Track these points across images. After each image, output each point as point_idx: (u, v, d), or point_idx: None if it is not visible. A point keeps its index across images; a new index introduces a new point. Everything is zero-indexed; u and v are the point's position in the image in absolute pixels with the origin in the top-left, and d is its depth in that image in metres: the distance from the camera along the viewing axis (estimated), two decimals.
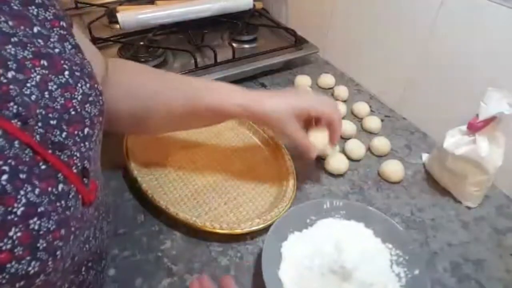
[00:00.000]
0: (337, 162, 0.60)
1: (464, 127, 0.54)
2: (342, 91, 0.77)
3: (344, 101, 0.76)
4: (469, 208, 0.56)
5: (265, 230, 0.48)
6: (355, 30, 0.81)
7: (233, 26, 0.86)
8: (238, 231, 0.48)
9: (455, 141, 0.54)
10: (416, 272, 0.44)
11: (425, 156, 0.64)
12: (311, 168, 0.61)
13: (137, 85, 0.50)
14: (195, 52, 0.76)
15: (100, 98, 0.35)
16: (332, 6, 0.85)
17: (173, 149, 0.62)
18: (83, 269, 0.35)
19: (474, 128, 0.52)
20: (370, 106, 0.74)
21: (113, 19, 0.87)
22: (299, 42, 0.84)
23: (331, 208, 0.51)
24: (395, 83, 0.74)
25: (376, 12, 0.74)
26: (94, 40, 0.79)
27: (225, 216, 0.53)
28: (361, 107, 0.73)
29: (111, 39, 0.80)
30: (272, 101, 0.48)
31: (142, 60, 0.74)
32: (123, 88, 0.49)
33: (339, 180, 0.60)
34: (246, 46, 0.85)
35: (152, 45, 0.77)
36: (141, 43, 0.76)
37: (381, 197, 0.57)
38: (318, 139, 0.52)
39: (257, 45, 0.86)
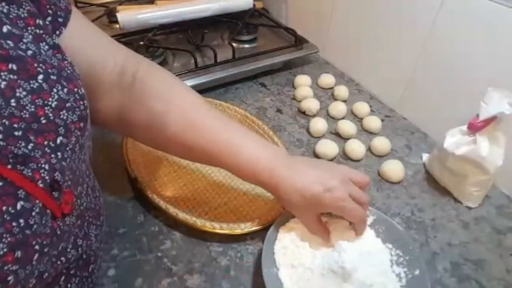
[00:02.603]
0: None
1: (464, 127, 0.54)
2: (342, 91, 0.77)
3: (344, 101, 0.76)
4: (469, 208, 0.56)
5: (265, 230, 0.48)
6: (355, 30, 0.81)
7: (233, 26, 0.86)
8: (238, 231, 0.48)
9: (455, 141, 0.54)
10: (416, 272, 0.44)
11: (425, 156, 0.64)
12: None
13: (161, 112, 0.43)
14: (195, 52, 0.76)
15: (81, 102, 0.32)
16: (332, 6, 0.85)
17: None
18: (62, 279, 0.33)
19: (474, 128, 0.51)
20: (370, 106, 0.74)
21: (113, 19, 0.87)
22: (299, 42, 0.84)
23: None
24: (395, 83, 0.74)
25: (376, 12, 0.74)
26: None
27: (225, 216, 0.53)
28: (361, 107, 0.73)
29: None
30: (291, 191, 0.42)
31: None
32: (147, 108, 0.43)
33: None
34: (246, 46, 0.85)
35: (152, 45, 0.77)
36: (141, 43, 0.76)
37: (381, 197, 0.57)
38: (336, 233, 0.46)
39: (257, 45, 0.86)
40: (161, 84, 0.45)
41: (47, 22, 0.34)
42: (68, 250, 0.32)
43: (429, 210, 0.56)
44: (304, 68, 0.87)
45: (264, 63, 0.79)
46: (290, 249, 0.45)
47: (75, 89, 0.31)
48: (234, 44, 0.79)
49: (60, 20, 0.36)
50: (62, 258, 0.31)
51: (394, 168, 0.60)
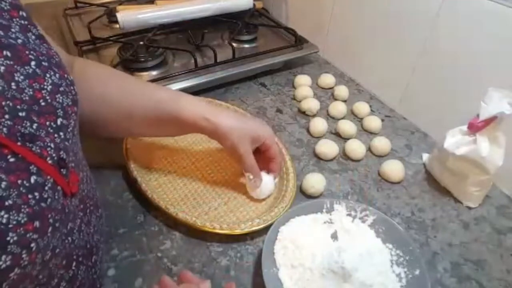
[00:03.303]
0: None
1: (464, 127, 0.53)
2: (342, 91, 0.77)
3: (344, 101, 0.76)
4: (469, 208, 0.56)
5: (265, 230, 0.48)
6: (355, 30, 0.81)
7: (233, 25, 0.86)
8: (238, 231, 0.48)
9: (455, 141, 0.54)
10: (417, 272, 0.44)
11: (425, 156, 0.64)
12: (311, 167, 0.61)
13: (98, 93, 0.49)
14: (195, 52, 0.76)
15: (72, 88, 0.34)
16: (332, 6, 0.85)
17: (173, 149, 0.62)
18: (74, 264, 0.34)
19: (474, 128, 0.51)
20: (371, 106, 0.74)
21: (112, 19, 0.87)
22: (299, 41, 0.84)
23: (331, 208, 0.51)
24: (395, 83, 0.74)
25: (377, 12, 0.74)
26: (94, 40, 0.79)
27: (225, 216, 0.52)
28: (362, 107, 0.73)
29: (111, 39, 0.80)
30: (233, 120, 0.50)
31: (142, 59, 0.74)
32: (85, 94, 0.46)
33: (339, 180, 0.60)
34: (246, 45, 0.85)
35: (152, 45, 0.77)
36: (141, 42, 0.76)
37: (381, 197, 0.57)
38: (265, 178, 0.54)
39: (257, 45, 0.86)
40: (95, 74, 0.50)
41: None
42: (75, 231, 0.34)
43: (429, 210, 0.56)
44: (304, 68, 0.87)
45: (264, 63, 0.79)
46: (290, 249, 0.45)
47: (65, 75, 0.33)
48: (234, 44, 0.79)
49: None
50: (69, 238, 0.33)
51: (394, 168, 0.60)
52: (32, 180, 0.26)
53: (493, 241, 0.52)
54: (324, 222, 0.50)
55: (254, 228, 0.49)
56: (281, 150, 0.58)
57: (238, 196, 0.56)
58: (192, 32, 0.82)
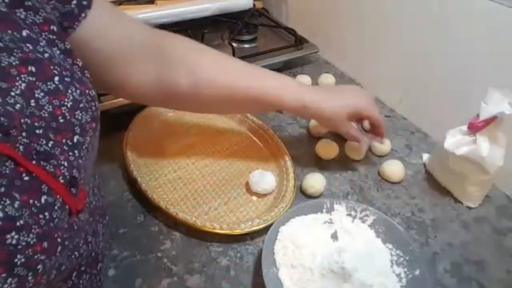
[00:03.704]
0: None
1: (464, 127, 0.53)
2: None
3: None
4: (469, 208, 0.56)
5: (265, 230, 0.48)
6: (355, 29, 0.81)
7: (233, 25, 0.86)
8: (238, 231, 0.48)
9: (455, 141, 0.54)
10: (417, 272, 0.44)
11: (425, 156, 0.64)
12: (311, 167, 0.61)
13: (208, 78, 0.49)
14: None
15: (93, 104, 0.33)
16: (332, 6, 0.85)
17: (173, 149, 0.62)
18: (74, 274, 0.34)
19: (474, 128, 0.51)
20: None
21: None
22: (299, 41, 0.84)
23: (331, 208, 0.51)
24: (395, 83, 0.74)
25: (377, 11, 0.74)
26: None
27: (225, 216, 0.52)
28: None
29: None
30: (330, 105, 0.53)
31: None
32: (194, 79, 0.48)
33: (339, 180, 0.60)
34: (246, 45, 0.85)
35: None
36: None
37: (381, 197, 0.57)
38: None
39: (257, 44, 0.86)
40: (188, 48, 0.50)
41: (73, 6, 0.36)
42: (80, 245, 0.34)
43: (430, 210, 0.56)
44: (304, 68, 0.87)
45: (264, 63, 0.78)
46: (290, 249, 0.45)
47: (87, 91, 0.33)
48: (234, 44, 0.79)
49: (84, 3, 0.38)
50: (76, 253, 0.33)
51: (394, 168, 0.60)
52: (43, 200, 0.26)
53: (493, 241, 0.52)
54: (324, 222, 0.50)
55: (254, 228, 0.49)
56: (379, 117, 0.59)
57: (238, 196, 0.56)
58: (192, 32, 0.82)
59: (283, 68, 0.85)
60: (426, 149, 0.66)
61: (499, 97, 0.49)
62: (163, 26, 0.82)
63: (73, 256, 0.32)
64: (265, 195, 0.56)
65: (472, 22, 0.57)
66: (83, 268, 0.35)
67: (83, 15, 0.38)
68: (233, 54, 0.76)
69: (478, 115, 0.51)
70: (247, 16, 0.89)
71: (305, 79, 0.80)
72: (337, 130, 0.58)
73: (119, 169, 0.58)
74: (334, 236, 0.49)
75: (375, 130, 0.61)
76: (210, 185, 0.57)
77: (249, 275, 0.46)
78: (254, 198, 0.55)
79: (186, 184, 0.57)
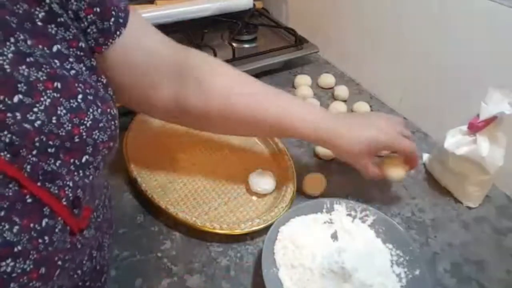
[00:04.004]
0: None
1: (464, 127, 0.53)
2: (342, 91, 0.77)
3: (345, 101, 0.76)
4: (469, 208, 0.56)
5: (265, 230, 0.48)
6: (355, 29, 0.81)
7: (233, 25, 0.86)
8: (238, 231, 0.48)
9: (455, 141, 0.54)
10: (417, 272, 0.44)
11: (425, 156, 0.64)
12: (311, 168, 0.61)
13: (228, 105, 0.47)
14: None
15: (112, 123, 0.33)
16: (332, 6, 0.85)
17: (173, 149, 0.62)
18: None
19: (474, 128, 0.51)
20: (371, 106, 0.74)
21: None
22: (299, 41, 0.84)
23: (331, 208, 0.51)
24: (396, 83, 0.74)
25: (377, 11, 0.74)
26: None
27: (225, 216, 0.52)
28: (362, 107, 0.73)
29: None
30: (349, 139, 0.47)
31: None
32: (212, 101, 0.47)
33: (339, 180, 0.60)
34: (246, 45, 0.85)
35: None
36: None
37: (381, 197, 0.57)
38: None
39: (257, 44, 0.86)
40: (216, 71, 0.48)
41: (111, 23, 0.36)
42: (84, 262, 0.33)
43: (430, 210, 0.56)
44: (304, 68, 0.87)
45: (264, 63, 0.79)
46: (290, 249, 0.45)
47: (108, 110, 0.32)
48: (234, 44, 0.79)
49: (121, 20, 0.38)
50: (79, 271, 0.32)
51: (394, 167, 0.59)
52: (44, 223, 0.25)
53: (493, 241, 0.52)
54: (324, 222, 0.50)
55: (254, 228, 0.49)
56: (412, 147, 0.50)
57: (238, 196, 0.56)
58: (192, 32, 0.82)
59: (283, 68, 0.85)
60: (426, 149, 0.66)
61: (499, 97, 0.49)
62: (163, 26, 0.82)
63: (75, 276, 0.31)
64: (265, 195, 0.56)
65: (472, 22, 0.57)
66: (87, 284, 0.34)
67: (118, 33, 0.38)
68: (233, 54, 0.76)
69: (478, 115, 0.51)
70: (247, 16, 0.89)
71: (305, 79, 0.80)
72: (354, 165, 0.51)
73: (119, 169, 0.58)
74: (334, 236, 0.49)
75: (406, 160, 0.52)
76: (210, 185, 0.57)
77: (249, 275, 0.46)
78: (254, 198, 0.55)
79: (186, 184, 0.57)
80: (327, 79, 0.81)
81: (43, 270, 0.25)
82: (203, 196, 0.55)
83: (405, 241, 0.47)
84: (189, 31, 0.82)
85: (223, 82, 0.47)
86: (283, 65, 0.85)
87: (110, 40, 0.37)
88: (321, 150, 0.62)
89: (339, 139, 0.47)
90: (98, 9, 0.34)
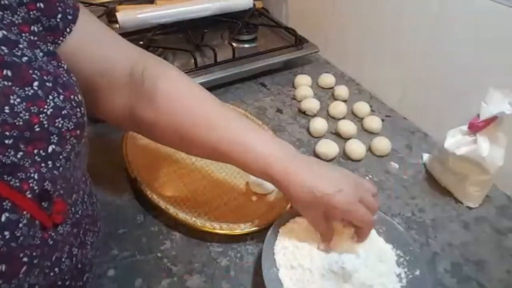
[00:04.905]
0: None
1: (465, 127, 0.53)
2: (342, 90, 0.77)
3: (345, 101, 0.76)
4: (470, 208, 0.56)
5: (265, 230, 0.47)
6: (355, 30, 0.81)
7: (233, 25, 0.86)
8: (238, 231, 0.48)
9: (456, 141, 0.54)
10: (417, 272, 0.44)
11: (426, 156, 0.64)
12: None
13: (183, 110, 0.43)
14: (195, 51, 0.76)
15: (78, 110, 0.31)
16: (332, 6, 0.85)
17: (173, 149, 0.62)
18: None
19: (475, 128, 0.51)
20: (371, 106, 0.74)
21: (112, 19, 0.86)
22: (299, 41, 0.84)
23: None
24: (396, 83, 0.74)
25: (377, 11, 0.74)
26: None
27: (225, 216, 0.52)
28: (362, 107, 0.73)
29: None
30: (301, 188, 0.40)
31: None
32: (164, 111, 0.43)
33: None
34: (246, 45, 0.85)
35: (152, 44, 0.77)
36: (141, 42, 0.75)
37: (381, 197, 0.57)
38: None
39: (257, 44, 0.86)
40: (168, 82, 0.43)
41: (58, 20, 0.34)
42: (63, 260, 0.32)
43: (430, 210, 0.56)
44: (304, 68, 0.87)
45: (264, 63, 0.79)
46: (290, 249, 0.45)
47: (72, 96, 0.31)
48: (234, 44, 0.79)
49: (70, 17, 0.36)
50: (56, 269, 0.31)
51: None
52: (3, 218, 0.24)
53: (494, 241, 0.52)
54: None
55: (254, 228, 0.49)
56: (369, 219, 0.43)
57: (238, 196, 0.56)
58: (192, 32, 0.82)
59: (283, 68, 0.85)
60: (426, 149, 0.66)
61: (500, 97, 0.49)
62: (163, 26, 0.82)
63: (51, 274, 0.30)
64: (265, 195, 0.56)
65: (472, 22, 0.57)
66: (67, 283, 0.33)
67: (68, 30, 0.35)
68: (233, 54, 0.76)
69: (478, 115, 0.50)
70: (247, 16, 0.89)
71: (305, 79, 0.80)
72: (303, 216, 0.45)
73: (119, 169, 0.58)
74: None
75: (358, 230, 0.45)
76: (210, 185, 0.57)
77: (249, 275, 0.46)
78: (254, 198, 0.55)
79: (186, 184, 0.57)
80: (327, 79, 0.81)
81: (3, 267, 0.24)
82: (203, 196, 0.55)
83: (405, 241, 0.47)
84: (189, 31, 0.82)
85: (174, 95, 0.43)
86: (283, 65, 0.85)
87: (61, 38, 0.35)
88: (321, 150, 0.62)
89: (292, 191, 0.41)
90: (41, 5, 0.32)
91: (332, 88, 0.80)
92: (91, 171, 0.42)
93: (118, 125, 0.48)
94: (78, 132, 0.31)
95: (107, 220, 0.47)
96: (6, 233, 0.24)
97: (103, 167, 0.58)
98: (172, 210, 0.49)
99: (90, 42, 0.39)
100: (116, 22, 0.77)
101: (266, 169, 0.41)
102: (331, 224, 0.45)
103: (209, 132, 0.42)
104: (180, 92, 0.44)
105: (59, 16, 0.34)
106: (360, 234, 0.45)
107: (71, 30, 0.36)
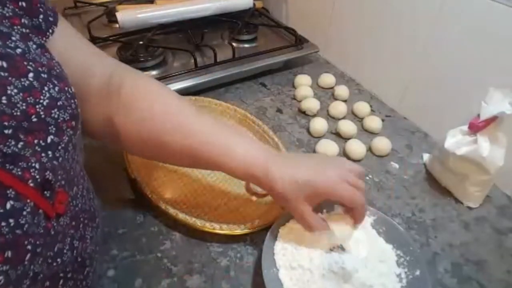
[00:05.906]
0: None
1: (465, 127, 0.53)
2: (342, 90, 0.77)
3: (345, 101, 0.76)
4: (470, 208, 0.56)
5: (265, 230, 0.47)
6: (355, 29, 0.81)
7: (233, 25, 0.86)
8: (238, 231, 0.48)
9: (456, 141, 0.54)
10: (417, 273, 0.44)
11: (426, 156, 0.64)
12: None
13: (153, 122, 0.42)
14: (195, 51, 0.76)
15: (72, 101, 0.31)
16: (332, 6, 0.85)
17: None
18: (61, 282, 0.32)
19: (475, 128, 0.51)
20: (371, 106, 0.74)
21: (112, 18, 0.86)
22: (299, 41, 0.84)
23: (331, 208, 0.51)
24: (396, 82, 0.74)
25: (377, 11, 0.74)
26: (93, 40, 0.79)
27: (225, 216, 0.52)
28: (362, 107, 0.73)
29: (110, 38, 0.80)
30: (281, 178, 0.40)
31: (142, 59, 0.74)
32: (136, 114, 0.43)
33: None
34: (246, 45, 0.85)
35: (152, 44, 0.77)
36: (140, 42, 0.75)
37: (381, 197, 0.57)
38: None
39: (257, 44, 0.86)
40: (146, 92, 0.44)
41: (40, 20, 0.34)
42: (65, 251, 0.32)
43: (430, 210, 0.56)
44: (304, 68, 0.87)
45: (264, 63, 0.79)
46: (290, 249, 0.45)
47: (66, 88, 0.31)
48: (234, 44, 0.79)
49: (51, 19, 0.36)
50: (58, 260, 0.31)
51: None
52: (8, 206, 0.25)
53: (494, 241, 0.52)
54: None
55: (254, 229, 0.49)
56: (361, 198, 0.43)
57: (238, 196, 0.56)
58: (192, 32, 0.82)
59: (283, 68, 0.85)
60: (426, 149, 0.66)
61: (500, 97, 0.49)
62: (163, 26, 0.82)
63: (54, 264, 0.30)
64: (265, 195, 0.55)
65: (472, 22, 0.57)
66: (69, 275, 0.33)
67: (50, 31, 0.36)
68: (233, 54, 0.76)
69: (478, 115, 0.50)
70: (247, 16, 0.89)
71: (305, 79, 0.80)
72: (291, 213, 0.44)
73: (119, 169, 0.58)
74: None
75: (351, 213, 0.45)
76: (210, 185, 0.57)
77: (249, 276, 0.46)
78: (254, 198, 0.55)
79: (186, 184, 0.57)
80: (327, 79, 0.81)
81: (9, 253, 0.24)
82: (203, 196, 0.55)
83: (406, 241, 0.47)
84: (189, 31, 0.82)
85: (151, 104, 0.43)
86: (283, 65, 0.85)
87: (44, 38, 0.35)
88: (321, 150, 0.62)
89: (275, 179, 0.41)
90: (23, 4, 0.32)
91: (332, 88, 0.80)
92: (91, 171, 0.42)
93: (93, 136, 0.46)
94: (73, 123, 0.31)
95: (107, 220, 0.47)
96: (11, 220, 0.25)
97: (103, 167, 0.58)
98: (172, 210, 0.49)
99: (71, 47, 0.40)
100: (116, 22, 0.77)
101: (247, 169, 0.41)
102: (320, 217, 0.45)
103: (187, 138, 0.42)
104: (156, 101, 0.43)
105: (41, 16, 0.35)
106: (355, 216, 0.45)
107: (53, 31, 0.36)
